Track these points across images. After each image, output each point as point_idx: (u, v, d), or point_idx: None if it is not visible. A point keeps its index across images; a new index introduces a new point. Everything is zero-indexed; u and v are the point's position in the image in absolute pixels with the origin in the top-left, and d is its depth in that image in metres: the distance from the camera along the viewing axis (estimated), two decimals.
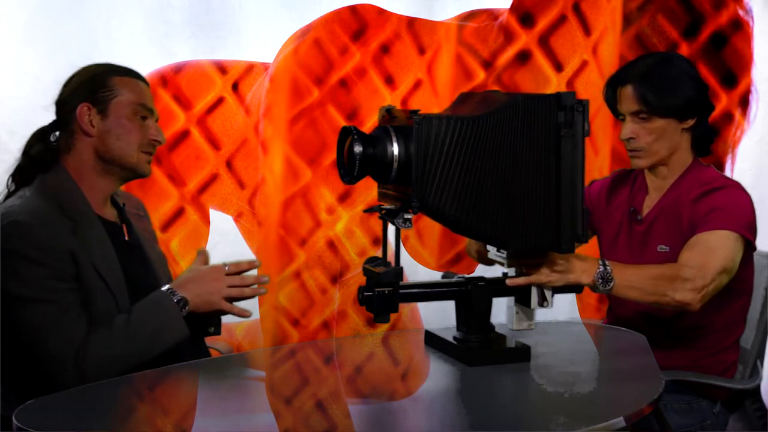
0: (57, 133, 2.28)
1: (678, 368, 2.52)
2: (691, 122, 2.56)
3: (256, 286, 2.26)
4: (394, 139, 1.93)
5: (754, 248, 2.51)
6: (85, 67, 2.32)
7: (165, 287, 2.21)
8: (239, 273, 2.24)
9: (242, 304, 2.26)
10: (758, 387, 2.66)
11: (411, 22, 3.54)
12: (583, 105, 1.99)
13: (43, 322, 2.08)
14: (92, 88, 2.25)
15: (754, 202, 2.56)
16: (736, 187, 2.57)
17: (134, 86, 2.28)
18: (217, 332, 2.34)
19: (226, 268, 2.24)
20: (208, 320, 2.28)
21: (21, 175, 2.27)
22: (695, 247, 2.43)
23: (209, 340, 2.42)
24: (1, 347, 2.14)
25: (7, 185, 2.28)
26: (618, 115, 2.62)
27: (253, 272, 2.28)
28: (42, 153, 2.26)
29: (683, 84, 2.54)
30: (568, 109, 1.98)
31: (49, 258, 2.11)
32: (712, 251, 2.40)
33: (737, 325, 2.62)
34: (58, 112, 2.29)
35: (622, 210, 2.69)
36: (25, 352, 2.10)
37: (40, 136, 2.29)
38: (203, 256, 2.32)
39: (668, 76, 2.54)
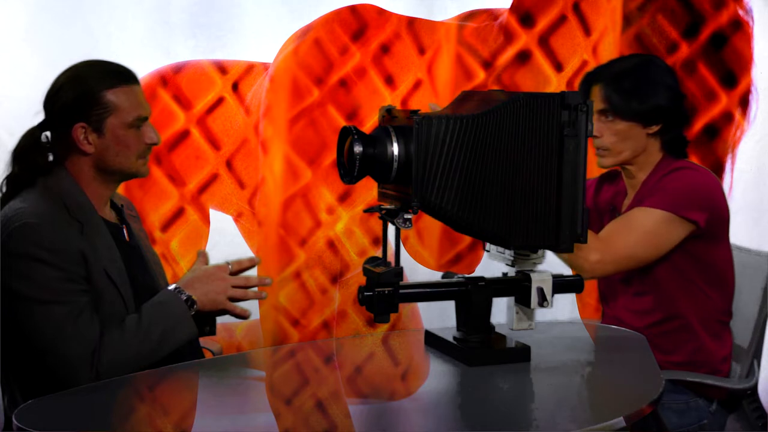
0: (48, 134, 2.26)
1: (670, 367, 2.54)
2: (656, 128, 2.59)
3: (257, 289, 2.27)
4: (394, 139, 1.93)
5: (702, 226, 2.51)
6: (74, 74, 2.25)
7: (172, 287, 2.21)
8: (241, 272, 2.25)
9: (242, 304, 2.26)
10: (755, 387, 2.67)
11: (411, 22, 3.54)
12: (588, 105, 1.99)
13: (57, 324, 2.08)
14: (85, 106, 2.20)
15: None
16: (694, 168, 2.62)
17: (128, 96, 2.23)
18: (212, 332, 2.34)
19: (229, 267, 2.24)
20: (204, 319, 2.29)
21: (17, 181, 2.25)
22: (620, 220, 2.56)
23: (202, 341, 2.42)
24: (11, 349, 2.14)
25: (1, 188, 2.27)
26: None
27: (254, 273, 2.28)
28: (36, 156, 2.24)
29: (652, 90, 2.57)
30: (572, 109, 1.98)
31: (62, 260, 2.11)
32: (631, 230, 2.51)
33: (720, 318, 2.62)
34: (49, 117, 2.25)
35: (607, 208, 2.76)
36: (38, 354, 2.10)
37: (31, 138, 2.26)
38: (203, 257, 2.33)
39: (638, 80, 2.58)
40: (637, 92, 2.56)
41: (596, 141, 2.61)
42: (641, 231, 2.51)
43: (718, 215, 2.57)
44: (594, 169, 3.53)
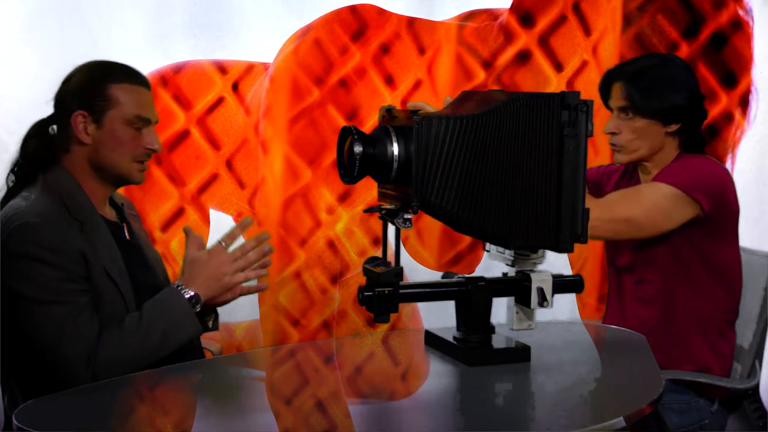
0: (55, 127, 2.27)
1: (671, 366, 2.54)
2: (675, 127, 2.61)
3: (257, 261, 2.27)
4: (394, 139, 1.93)
5: (705, 210, 2.52)
6: (86, 66, 2.28)
7: (174, 285, 2.21)
8: (238, 246, 2.24)
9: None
10: (757, 387, 2.67)
11: (411, 22, 3.54)
12: (588, 105, 1.99)
13: (57, 323, 2.08)
14: (89, 95, 2.21)
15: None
16: (706, 158, 2.64)
17: (133, 95, 2.23)
18: (215, 327, 2.34)
19: (223, 244, 2.24)
20: (207, 314, 2.28)
21: (21, 171, 2.26)
22: (626, 189, 2.61)
23: (202, 340, 2.42)
24: (11, 349, 2.14)
25: (7, 181, 2.27)
26: (609, 108, 2.69)
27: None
28: (41, 148, 2.25)
29: (672, 89, 2.58)
30: (572, 109, 1.98)
31: (62, 259, 2.10)
32: (634, 197, 2.54)
33: (725, 318, 2.62)
34: (56, 110, 2.27)
35: None
36: (37, 354, 2.10)
37: (38, 129, 2.27)
38: (194, 238, 2.27)
39: (659, 79, 2.59)
40: (658, 91, 2.57)
41: (613, 138, 2.64)
42: (644, 200, 2.53)
43: (725, 207, 2.57)
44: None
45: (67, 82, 2.26)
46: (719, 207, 2.54)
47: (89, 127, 2.21)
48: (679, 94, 2.59)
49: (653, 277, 2.60)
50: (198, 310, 2.19)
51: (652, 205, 2.52)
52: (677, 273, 2.58)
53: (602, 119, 2.69)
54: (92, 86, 2.22)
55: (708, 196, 2.51)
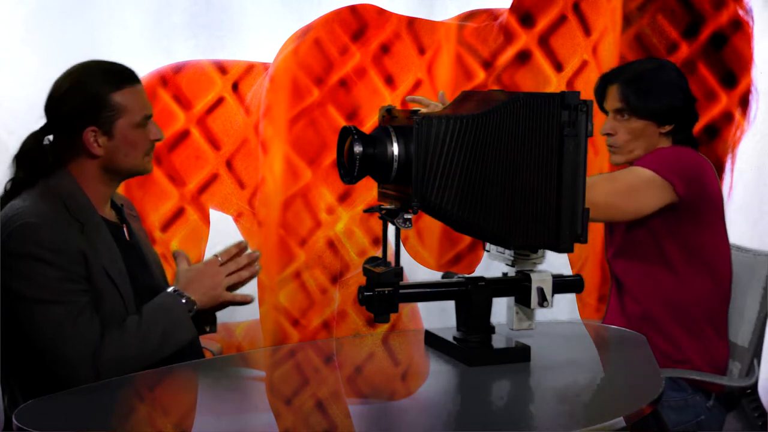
0: (50, 137, 2.25)
1: (669, 365, 2.55)
2: (668, 128, 2.68)
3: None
4: (394, 139, 1.93)
5: (680, 193, 2.55)
6: (76, 76, 2.24)
7: (170, 289, 2.22)
8: (231, 260, 2.26)
9: (244, 290, 2.29)
10: (755, 386, 2.67)
11: (411, 22, 3.54)
12: (587, 105, 1.99)
13: (57, 324, 2.08)
14: (95, 110, 2.19)
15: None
16: (686, 148, 2.70)
17: (134, 97, 2.23)
18: (213, 330, 2.35)
19: (219, 259, 2.25)
20: (204, 318, 2.29)
21: (20, 182, 2.25)
22: (606, 173, 2.72)
23: (202, 340, 2.42)
24: (11, 349, 2.14)
25: (6, 188, 2.26)
26: (604, 111, 2.76)
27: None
28: (38, 159, 2.24)
29: (667, 91, 2.67)
30: (572, 109, 1.98)
31: (62, 259, 2.10)
32: (611, 181, 2.60)
33: (709, 308, 2.63)
34: (53, 122, 2.24)
35: None
36: (38, 354, 2.10)
37: (33, 141, 2.25)
38: (182, 257, 2.32)
39: (655, 81, 2.68)
40: (654, 93, 2.65)
41: (610, 139, 2.71)
42: (622, 183, 2.58)
43: (703, 194, 2.61)
44: (593, 170, 3.53)
45: (62, 94, 2.22)
46: (695, 193, 2.58)
47: (100, 140, 2.21)
48: (675, 96, 2.67)
49: (635, 266, 2.64)
50: (193, 314, 2.20)
51: (628, 186, 2.57)
52: (657, 258, 2.60)
53: (601, 120, 2.71)
54: (95, 101, 2.20)
55: (682, 180, 2.56)
